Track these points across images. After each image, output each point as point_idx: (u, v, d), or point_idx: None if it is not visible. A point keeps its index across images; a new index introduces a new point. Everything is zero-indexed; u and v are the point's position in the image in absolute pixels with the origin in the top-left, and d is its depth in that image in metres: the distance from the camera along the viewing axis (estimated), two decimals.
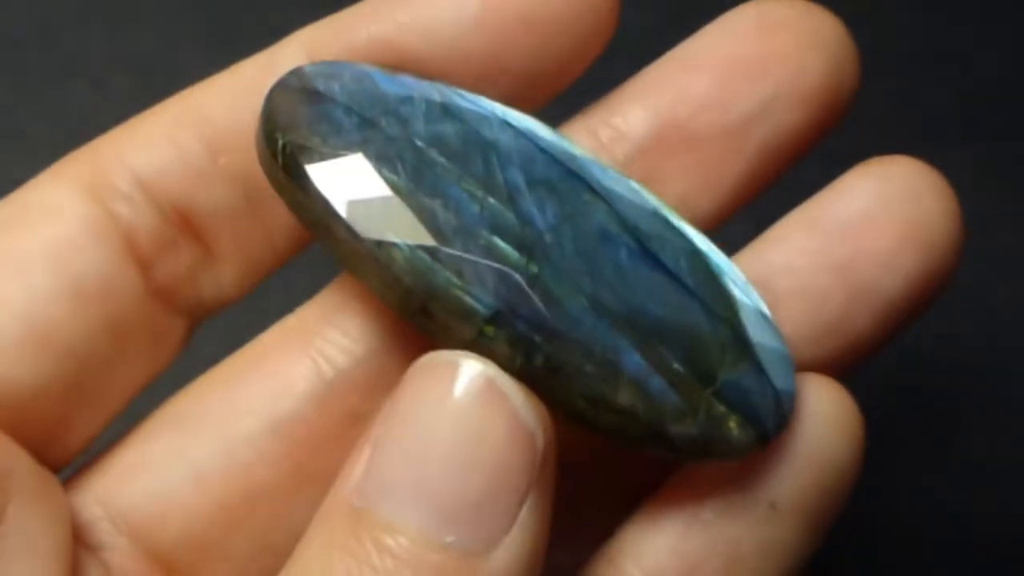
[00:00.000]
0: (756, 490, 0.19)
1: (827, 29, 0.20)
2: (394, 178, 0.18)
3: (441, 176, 0.18)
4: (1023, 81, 0.35)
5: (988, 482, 0.31)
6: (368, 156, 0.18)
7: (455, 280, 0.18)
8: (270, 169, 0.19)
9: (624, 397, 0.18)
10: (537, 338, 0.18)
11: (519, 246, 0.18)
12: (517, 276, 0.18)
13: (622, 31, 0.21)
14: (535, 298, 0.18)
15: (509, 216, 0.18)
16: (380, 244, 0.18)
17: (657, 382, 0.18)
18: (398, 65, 0.20)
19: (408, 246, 0.18)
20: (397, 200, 0.18)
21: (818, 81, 0.20)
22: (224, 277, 0.21)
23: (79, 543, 0.19)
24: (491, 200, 0.18)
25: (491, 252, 0.18)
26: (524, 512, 0.17)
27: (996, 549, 0.30)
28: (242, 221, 0.20)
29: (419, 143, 0.19)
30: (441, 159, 0.18)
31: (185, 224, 0.20)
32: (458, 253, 0.18)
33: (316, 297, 0.20)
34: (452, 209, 0.18)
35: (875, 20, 0.35)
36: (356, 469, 0.17)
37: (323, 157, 0.18)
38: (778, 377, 0.19)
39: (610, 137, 0.20)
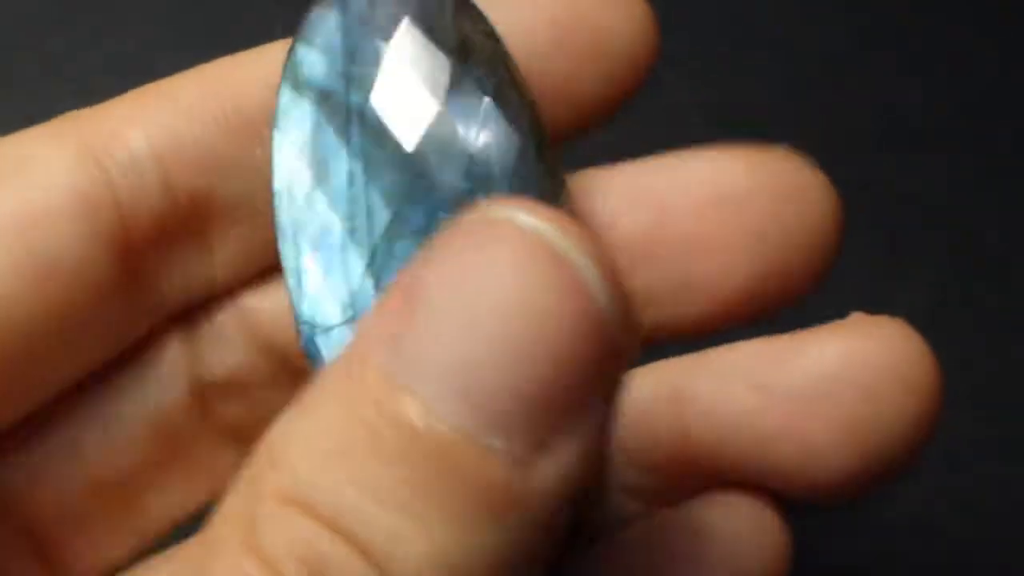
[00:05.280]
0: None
1: None
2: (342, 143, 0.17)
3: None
4: (993, 86, 0.36)
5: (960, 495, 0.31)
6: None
7: None
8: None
9: None
10: None
11: None
12: None
13: None
14: None
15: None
16: None
17: None
18: None
19: None
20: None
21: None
22: (215, 277, 0.19)
23: None
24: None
25: None
26: (586, 415, 0.14)
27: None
28: (251, 225, 0.18)
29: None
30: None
31: (192, 214, 0.18)
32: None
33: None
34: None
35: (850, 21, 0.35)
36: (388, 318, 0.14)
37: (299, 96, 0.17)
38: None
39: None
